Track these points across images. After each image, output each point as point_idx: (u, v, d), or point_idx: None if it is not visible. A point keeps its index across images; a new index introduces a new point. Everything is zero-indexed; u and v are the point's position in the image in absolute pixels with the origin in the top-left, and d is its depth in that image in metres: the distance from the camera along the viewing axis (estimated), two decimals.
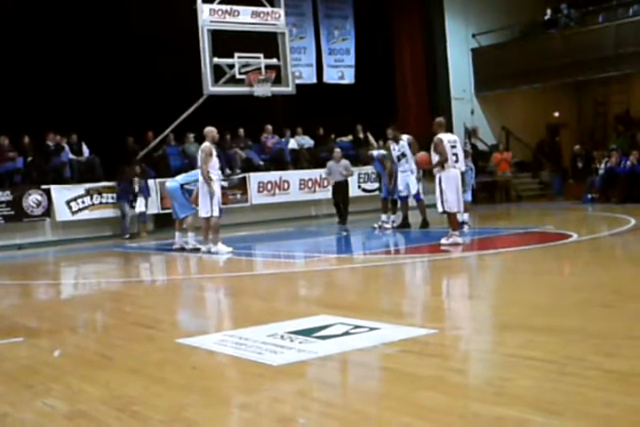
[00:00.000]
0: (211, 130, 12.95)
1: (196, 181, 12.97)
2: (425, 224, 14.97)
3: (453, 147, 11.87)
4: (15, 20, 17.91)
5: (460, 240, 11.64)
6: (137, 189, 17.76)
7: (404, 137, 15.32)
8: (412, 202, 15.85)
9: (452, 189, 11.71)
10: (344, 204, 18.10)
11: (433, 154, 11.94)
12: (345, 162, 17.70)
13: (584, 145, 23.85)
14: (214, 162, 12.59)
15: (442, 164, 11.67)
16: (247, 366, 5.04)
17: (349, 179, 18.24)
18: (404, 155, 15.13)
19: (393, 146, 15.35)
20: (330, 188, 18.41)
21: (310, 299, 8.27)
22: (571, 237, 11.63)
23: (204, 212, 12.60)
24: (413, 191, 15.19)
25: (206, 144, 12.64)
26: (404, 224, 15.55)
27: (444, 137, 11.87)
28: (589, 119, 26.52)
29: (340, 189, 17.79)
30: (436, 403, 4.06)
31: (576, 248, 10.77)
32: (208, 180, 12.38)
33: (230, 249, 12.70)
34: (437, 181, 11.72)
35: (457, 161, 11.86)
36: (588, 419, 3.69)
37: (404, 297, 8.02)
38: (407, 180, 15.18)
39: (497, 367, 4.82)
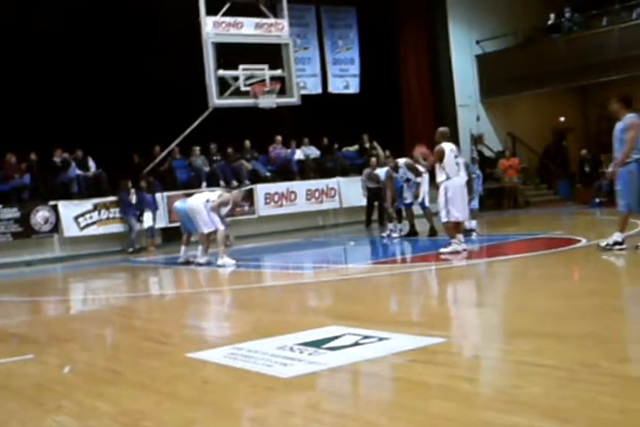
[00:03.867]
0: (238, 195, 13.59)
1: None
2: (433, 232, 14.94)
3: (456, 156, 11.94)
4: (20, 36, 18.00)
5: (459, 248, 11.64)
6: (134, 200, 17.75)
7: (401, 162, 15.45)
8: (417, 210, 15.88)
9: (457, 198, 11.76)
10: (380, 207, 19.04)
11: (437, 164, 12.00)
12: (379, 170, 18.20)
13: (591, 149, 23.81)
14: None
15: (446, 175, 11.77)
16: (257, 378, 5.01)
17: None
18: (408, 180, 15.26)
19: (395, 175, 15.51)
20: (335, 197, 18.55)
21: (319, 310, 8.25)
22: (579, 242, 11.59)
23: (205, 228, 12.82)
24: (419, 199, 15.23)
25: (228, 196, 13.04)
26: (412, 232, 15.58)
27: (447, 146, 11.92)
28: (595, 123, 26.48)
29: (376, 194, 18.52)
30: (447, 412, 4.03)
31: (585, 253, 10.73)
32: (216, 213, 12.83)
33: (234, 262, 12.73)
34: (443, 190, 11.72)
35: (460, 170, 11.93)
36: (600, 426, 3.66)
37: (412, 306, 8.00)
38: (413, 189, 15.27)
39: (508, 375, 4.79)
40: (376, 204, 19.20)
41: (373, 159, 19.29)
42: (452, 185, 11.71)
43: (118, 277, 13.85)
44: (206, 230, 12.81)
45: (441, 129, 12.48)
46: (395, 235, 15.74)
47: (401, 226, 15.95)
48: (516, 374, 4.71)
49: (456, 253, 11.57)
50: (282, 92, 18.38)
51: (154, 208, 18.09)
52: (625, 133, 9.98)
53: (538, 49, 23.81)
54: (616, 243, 10.12)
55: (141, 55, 18.99)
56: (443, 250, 11.72)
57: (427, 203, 15.28)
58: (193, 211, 12.95)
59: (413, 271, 10.69)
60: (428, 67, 24.98)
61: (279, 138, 21.60)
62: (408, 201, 15.47)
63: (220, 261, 12.73)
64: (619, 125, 10.18)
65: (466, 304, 8.00)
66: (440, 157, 11.79)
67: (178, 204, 14.10)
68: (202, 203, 12.84)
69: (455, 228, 11.92)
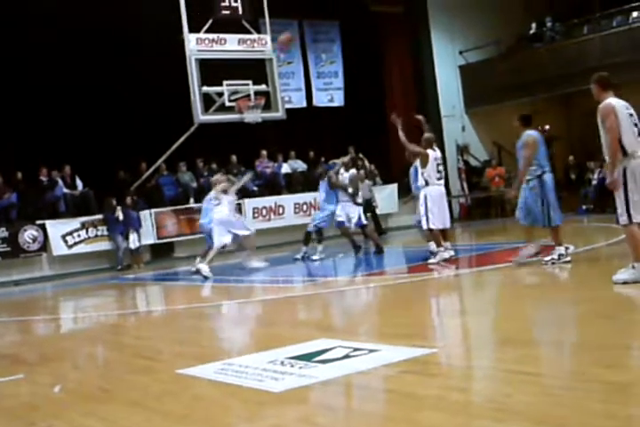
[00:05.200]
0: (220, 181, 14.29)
1: None
2: (380, 249, 14.77)
3: (439, 164, 12.04)
4: (5, 54, 17.93)
5: (446, 255, 11.69)
6: (120, 217, 17.71)
7: (350, 171, 15.03)
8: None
9: (437, 205, 11.87)
10: (374, 218, 19.03)
11: (418, 167, 12.10)
12: (369, 182, 18.62)
13: (576, 156, 23.92)
14: None
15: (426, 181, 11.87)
16: (248, 393, 5.01)
17: None
18: (344, 188, 14.78)
19: (342, 171, 14.98)
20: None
21: (309, 323, 8.25)
22: (567, 250, 11.59)
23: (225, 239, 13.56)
24: (354, 220, 14.79)
25: (222, 185, 14.07)
26: (356, 248, 15.01)
27: (432, 154, 12.01)
28: (579, 130, 26.60)
29: (369, 205, 18.32)
30: (438, 423, 4.05)
31: (573, 260, 10.74)
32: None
33: (209, 273, 13.24)
34: (423, 198, 11.84)
35: (440, 178, 12.06)
36: None
37: (402, 317, 7.99)
38: (347, 209, 14.77)
39: (497, 384, 4.80)
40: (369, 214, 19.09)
41: (362, 171, 19.18)
42: (431, 193, 11.84)
43: (107, 294, 13.80)
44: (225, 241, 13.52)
45: (426, 135, 12.42)
46: (315, 257, 14.86)
47: (320, 247, 15.13)
48: (506, 383, 4.73)
49: (444, 261, 11.60)
50: (267, 107, 18.40)
51: (137, 226, 18.00)
52: (522, 151, 10.26)
53: (520, 58, 23.94)
54: (560, 255, 10.22)
55: (126, 72, 19.00)
56: (431, 261, 11.75)
57: (363, 221, 15.00)
58: (225, 222, 13.60)
59: (402, 283, 10.69)
60: (412, 78, 25.09)
61: (264, 152, 21.63)
62: (340, 219, 14.77)
63: (199, 266, 13.30)
64: (518, 144, 10.48)
65: (455, 314, 8.01)
66: (425, 161, 11.86)
67: (203, 221, 14.45)
68: (230, 213, 13.82)
69: (441, 235, 11.98)
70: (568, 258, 10.18)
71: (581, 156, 24.02)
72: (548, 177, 10.24)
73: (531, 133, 10.39)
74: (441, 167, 12.12)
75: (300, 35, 23.29)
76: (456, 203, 24.74)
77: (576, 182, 22.36)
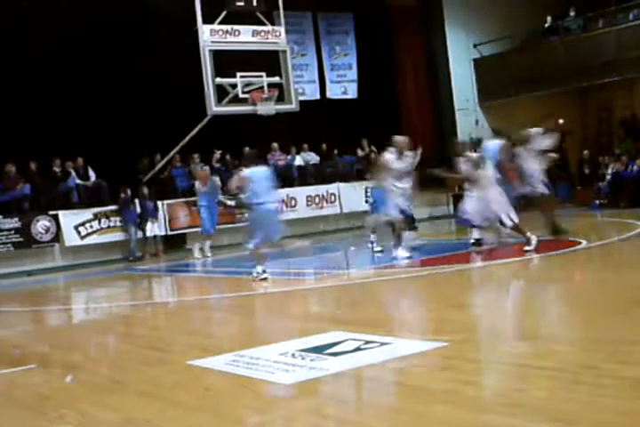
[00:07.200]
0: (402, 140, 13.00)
1: None
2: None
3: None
4: (19, 46, 17.99)
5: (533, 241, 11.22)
6: (138, 209, 17.76)
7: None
8: None
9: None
10: None
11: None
12: None
13: (590, 151, 23.82)
14: None
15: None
16: (259, 385, 5.02)
17: None
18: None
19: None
20: None
21: (320, 316, 8.24)
22: (580, 244, 11.57)
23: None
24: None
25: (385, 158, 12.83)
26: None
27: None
28: (594, 125, 26.50)
29: None
30: (449, 416, 4.04)
31: (586, 255, 10.72)
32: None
33: (407, 254, 12.48)
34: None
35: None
36: None
37: (414, 311, 7.99)
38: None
39: (509, 378, 4.79)
40: None
41: None
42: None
43: (119, 285, 13.84)
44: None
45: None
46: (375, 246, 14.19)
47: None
48: (518, 378, 4.72)
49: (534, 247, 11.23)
50: (280, 99, 18.39)
51: (154, 215, 18.01)
52: None
53: (535, 52, 23.80)
54: (258, 273, 11.14)
55: (140, 63, 18.93)
56: (526, 248, 11.32)
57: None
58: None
59: (414, 276, 10.67)
60: (425, 71, 25.01)
61: (275, 145, 21.56)
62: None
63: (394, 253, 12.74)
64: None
65: (467, 308, 7.98)
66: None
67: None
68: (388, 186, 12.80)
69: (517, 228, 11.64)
70: (264, 275, 11.01)
71: (596, 150, 23.94)
72: (264, 207, 11.04)
73: (244, 173, 11.23)
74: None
75: (314, 27, 23.25)
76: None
77: (590, 177, 22.25)
